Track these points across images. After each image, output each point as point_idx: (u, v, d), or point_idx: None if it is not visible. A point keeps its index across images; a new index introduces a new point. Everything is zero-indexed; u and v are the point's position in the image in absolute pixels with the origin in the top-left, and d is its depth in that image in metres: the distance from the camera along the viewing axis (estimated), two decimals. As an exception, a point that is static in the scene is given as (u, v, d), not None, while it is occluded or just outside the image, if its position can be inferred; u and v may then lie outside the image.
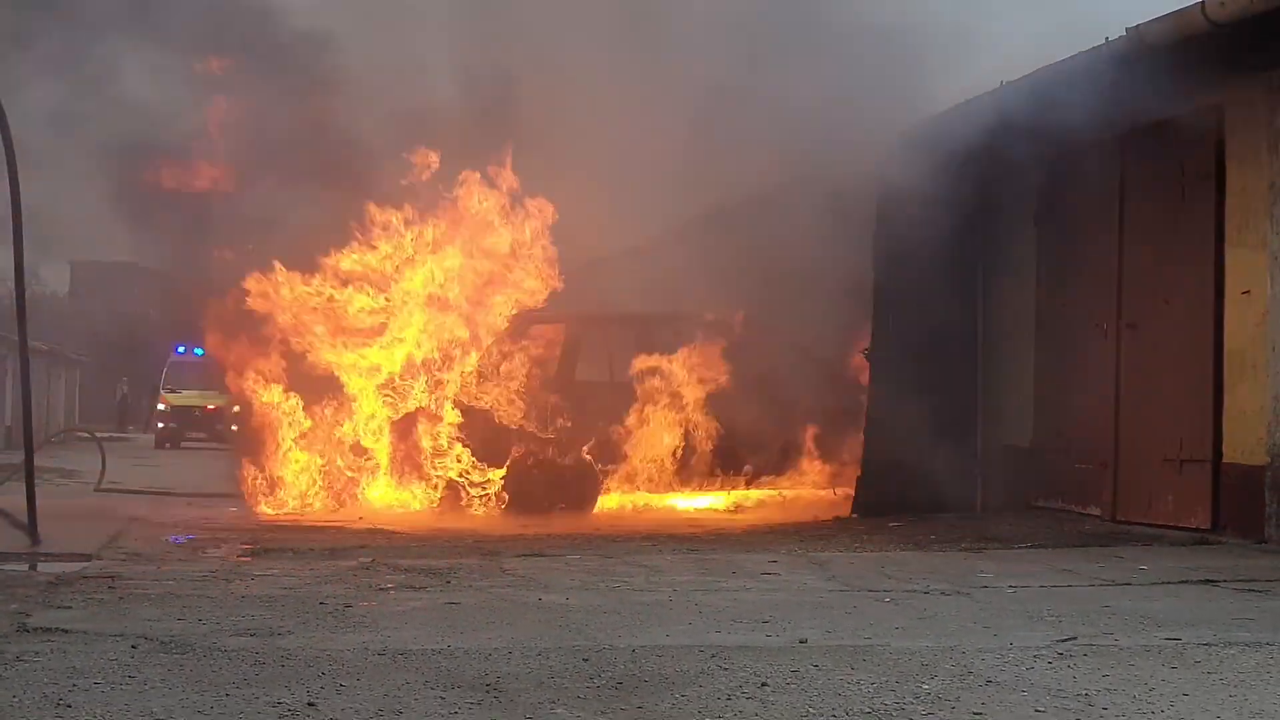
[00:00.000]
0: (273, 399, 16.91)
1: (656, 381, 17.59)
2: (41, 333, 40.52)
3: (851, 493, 16.69)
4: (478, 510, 16.52)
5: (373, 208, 16.81)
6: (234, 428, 44.28)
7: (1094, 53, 13.65)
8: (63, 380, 51.88)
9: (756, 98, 17.14)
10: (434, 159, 16.78)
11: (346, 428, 16.93)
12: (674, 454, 17.62)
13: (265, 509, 16.62)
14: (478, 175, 16.95)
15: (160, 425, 45.04)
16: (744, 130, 17.25)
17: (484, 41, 17.46)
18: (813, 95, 16.59)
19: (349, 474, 16.98)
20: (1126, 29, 13.17)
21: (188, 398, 44.70)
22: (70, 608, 8.85)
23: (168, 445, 43.35)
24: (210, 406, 44.56)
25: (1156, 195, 14.38)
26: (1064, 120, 14.52)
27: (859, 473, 16.48)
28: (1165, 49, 12.89)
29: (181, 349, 46.56)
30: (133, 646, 7.49)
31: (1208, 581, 10.32)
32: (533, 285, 17.09)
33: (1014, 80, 14.96)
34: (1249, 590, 9.96)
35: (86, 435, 28.76)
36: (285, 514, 16.28)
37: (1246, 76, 12.95)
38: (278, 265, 16.69)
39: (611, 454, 17.53)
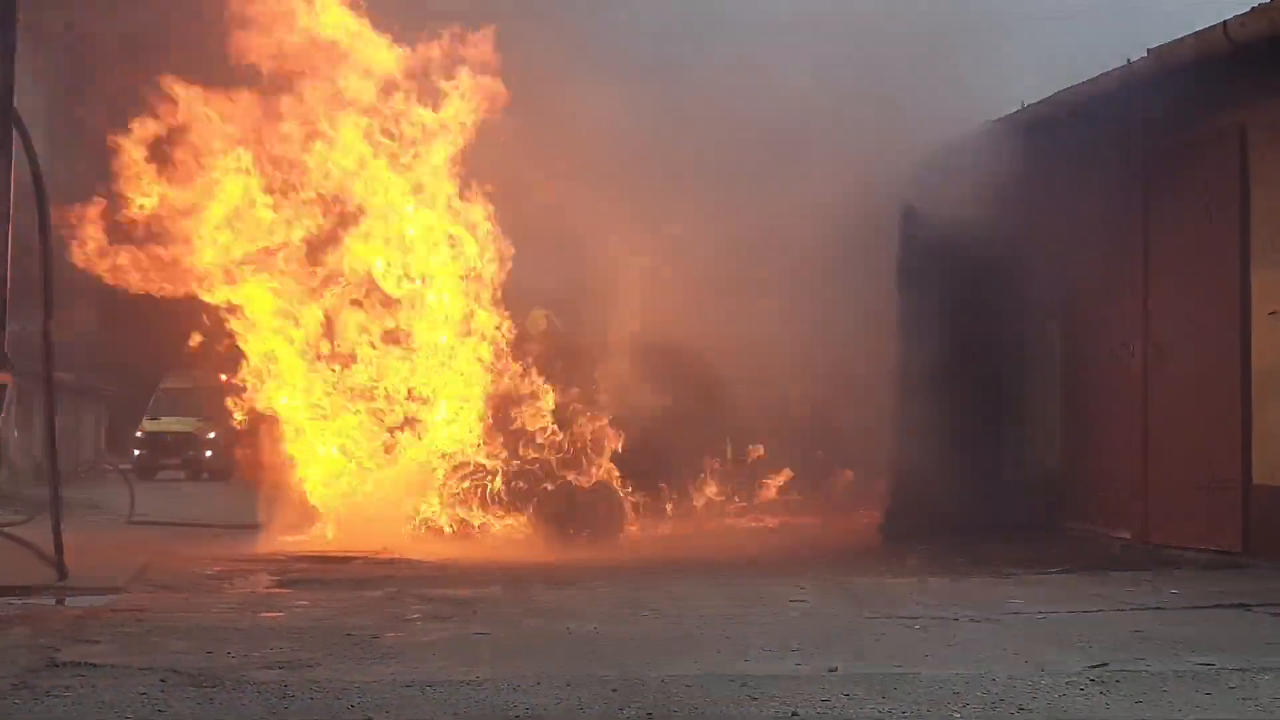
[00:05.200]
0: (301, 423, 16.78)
1: None
2: (69, 367, 40.31)
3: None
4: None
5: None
6: (208, 454, 40.92)
7: (1115, 74, 13.64)
8: (91, 414, 51.95)
9: (781, 118, 17.10)
10: None
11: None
12: None
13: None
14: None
15: (136, 453, 42.22)
16: (769, 150, 17.20)
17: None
18: (836, 117, 16.59)
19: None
20: (1148, 50, 13.17)
21: (163, 424, 42.50)
22: (99, 641, 8.84)
23: (146, 476, 38.15)
24: (181, 431, 41.91)
25: (1181, 216, 14.34)
26: (1086, 141, 14.53)
27: (886, 498, 16.43)
28: (1187, 69, 12.89)
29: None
30: (162, 680, 7.48)
31: (1240, 605, 10.25)
32: None
33: (1035, 102, 14.97)
34: (1281, 613, 9.91)
35: (110, 469, 28.73)
36: (312, 544, 16.23)
37: (1269, 96, 12.92)
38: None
39: None
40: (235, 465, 19.96)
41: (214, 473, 40.42)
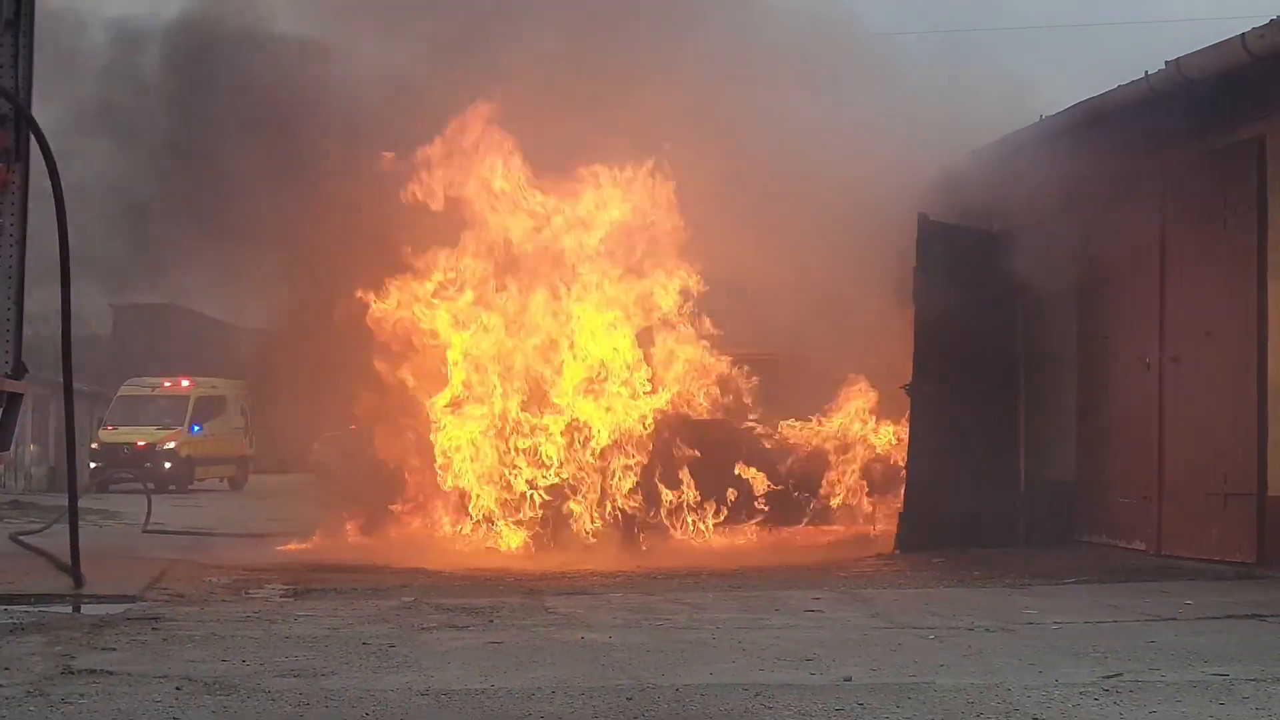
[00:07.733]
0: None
1: None
2: (84, 375, 39.72)
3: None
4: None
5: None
6: (167, 465, 39.55)
7: (1134, 86, 13.63)
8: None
9: (799, 130, 17.13)
10: None
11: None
12: None
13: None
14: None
15: (92, 465, 38.50)
16: (786, 162, 17.23)
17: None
18: (854, 130, 16.61)
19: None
20: (1166, 62, 13.16)
21: (122, 434, 40.46)
22: (114, 649, 8.86)
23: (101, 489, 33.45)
24: (140, 443, 40.08)
25: (1199, 227, 14.33)
26: (1104, 153, 14.52)
27: (901, 509, 16.41)
28: (1206, 81, 12.87)
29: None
30: (177, 688, 7.50)
31: (1254, 616, 10.23)
32: None
33: (1054, 114, 14.96)
34: (1297, 624, 9.89)
35: (129, 477, 28.70)
36: (328, 553, 16.25)
37: (1288, 108, 12.91)
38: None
39: None
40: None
41: (172, 485, 38.31)
